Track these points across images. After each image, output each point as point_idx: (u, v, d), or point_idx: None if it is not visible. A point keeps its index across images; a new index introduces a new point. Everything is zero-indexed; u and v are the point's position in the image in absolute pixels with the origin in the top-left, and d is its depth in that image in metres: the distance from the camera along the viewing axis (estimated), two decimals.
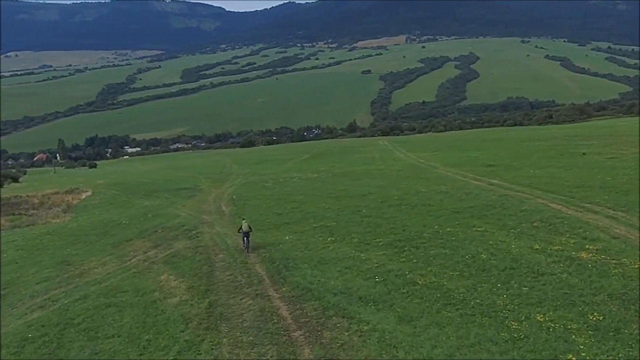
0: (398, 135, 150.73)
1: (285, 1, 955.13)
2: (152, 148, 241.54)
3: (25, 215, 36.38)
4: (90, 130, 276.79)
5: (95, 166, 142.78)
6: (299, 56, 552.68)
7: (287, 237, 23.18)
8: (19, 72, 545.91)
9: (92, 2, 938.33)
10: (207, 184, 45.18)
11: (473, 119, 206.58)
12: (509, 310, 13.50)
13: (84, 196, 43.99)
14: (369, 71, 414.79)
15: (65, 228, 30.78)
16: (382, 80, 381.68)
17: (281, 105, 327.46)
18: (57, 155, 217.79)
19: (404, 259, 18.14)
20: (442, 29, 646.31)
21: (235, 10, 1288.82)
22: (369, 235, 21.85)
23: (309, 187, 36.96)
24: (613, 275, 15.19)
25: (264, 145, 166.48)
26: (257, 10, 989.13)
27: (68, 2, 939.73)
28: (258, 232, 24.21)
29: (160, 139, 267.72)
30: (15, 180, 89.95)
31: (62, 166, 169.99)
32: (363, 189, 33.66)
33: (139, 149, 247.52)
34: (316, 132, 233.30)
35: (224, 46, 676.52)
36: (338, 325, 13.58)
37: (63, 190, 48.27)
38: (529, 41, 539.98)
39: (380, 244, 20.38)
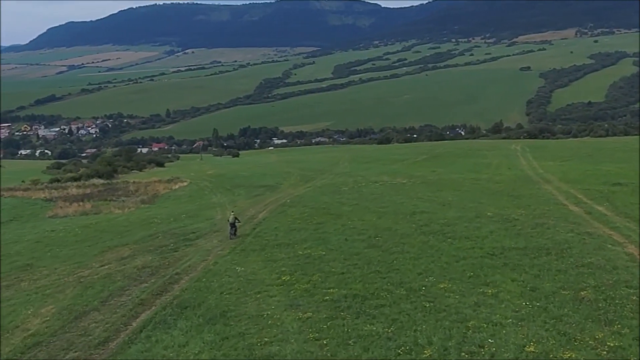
0: (548, 138, 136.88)
1: None
2: (297, 141, 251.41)
3: (115, 200, 39.08)
4: (245, 121, 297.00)
5: (237, 155, 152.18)
6: (453, 52, 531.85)
7: (239, 269, 20.01)
8: (192, 67, 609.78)
9: (258, 3, 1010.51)
10: (291, 182, 44.13)
11: None
12: None
13: (177, 186, 46.04)
14: (529, 68, 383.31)
15: (110, 222, 31.32)
16: (542, 77, 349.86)
17: (428, 102, 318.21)
18: (212, 143, 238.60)
19: (317, 334, 13.52)
20: (620, 21, 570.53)
21: (391, 7, 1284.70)
22: (331, 280, 17.81)
23: (373, 197, 33.61)
24: None
25: (400, 143, 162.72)
26: (412, 6, 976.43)
27: (238, 3, 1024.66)
28: (232, 254, 22.21)
29: (306, 132, 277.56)
30: (160, 165, 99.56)
31: (212, 154, 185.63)
32: (423, 204, 29.37)
33: (285, 140, 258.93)
34: (459, 131, 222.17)
35: (376, 42, 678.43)
36: None
37: (165, 179, 51.24)
38: None
39: (326, 297, 16.21)
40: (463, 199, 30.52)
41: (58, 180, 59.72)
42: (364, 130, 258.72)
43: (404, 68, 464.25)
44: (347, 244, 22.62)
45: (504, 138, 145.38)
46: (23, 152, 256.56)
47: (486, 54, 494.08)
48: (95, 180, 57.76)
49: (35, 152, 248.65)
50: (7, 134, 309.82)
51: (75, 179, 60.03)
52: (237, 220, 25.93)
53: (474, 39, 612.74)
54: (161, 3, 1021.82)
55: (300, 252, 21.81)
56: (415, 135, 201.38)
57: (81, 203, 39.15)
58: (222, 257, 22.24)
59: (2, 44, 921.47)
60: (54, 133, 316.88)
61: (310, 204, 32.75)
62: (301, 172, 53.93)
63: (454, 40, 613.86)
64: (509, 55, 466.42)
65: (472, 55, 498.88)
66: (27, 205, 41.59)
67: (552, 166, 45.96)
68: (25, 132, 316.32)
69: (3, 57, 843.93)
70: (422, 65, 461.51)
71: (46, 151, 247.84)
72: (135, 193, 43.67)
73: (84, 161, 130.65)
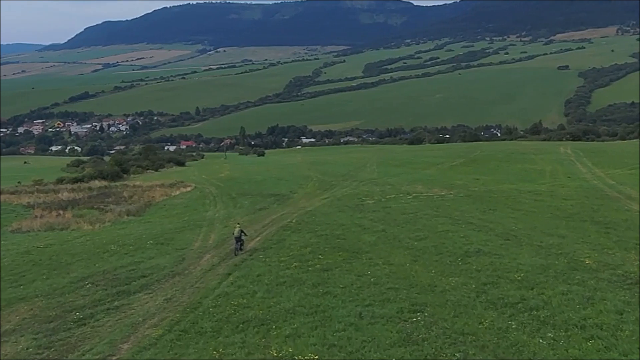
0: (593, 140, 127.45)
1: None
2: (326, 140, 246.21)
3: (102, 209, 34.11)
4: (273, 119, 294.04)
5: (263, 154, 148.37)
6: (487, 50, 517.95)
7: None
8: (223, 66, 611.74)
9: (290, 2, 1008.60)
10: (307, 190, 38.07)
11: None
12: None
13: (178, 192, 40.91)
14: (567, 67, 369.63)
15: (62, 245, 25.43)
16: (581, 77, 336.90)
17: (461, 101, 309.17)
18: (239, 142, 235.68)
19: None
20: None
21: (423, 5, 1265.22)
22: None
23: (405, 218, 26.15)
24: None
25: (432, 143, 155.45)
26: (445, 4, 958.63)
27: (270, 2, 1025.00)
28: (161, 343, 14.00)
29: (335, 131, 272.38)
30: (180, 164, 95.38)
31: (238, 152, 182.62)
32: (477, 235, 21.47)
33: (313, 139, 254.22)
34: (494, 132, 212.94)
35: (408, 41, 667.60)
36: None
37: (168, 183, 46.23)
38: None
39: None
40: (531, 227, 22.52)
41: (62, 181, 55.67)
42: (395, 129, 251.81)
43: (436, 67, 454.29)
44: (361, 330, 13.69)
45: (544, 139, 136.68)
46: (54, 148, 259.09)
47: (522, 52, 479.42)
48: (95, 183, 53.25)
49: (66, 149, 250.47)
50: (40, 130, 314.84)
51: (76, 180, 55.74)
52: (243, 234, 23.02)
53: (508, 37, 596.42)
54: (194, 2, 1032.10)
55: (275, 353, 12.99)
56: (447, 136, 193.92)
57: (61, 212, 34.27)
58: (142, 349, 13.72)
59: (42, 43, 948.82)
60: (85, 130, 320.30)
61: (320, 227, 25.73)
62: (322, 176, 47.66)
63: (487, 38, 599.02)
64: (546, 54, 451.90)
65: (507, 54, 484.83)
66: (2, 213, 36.84)
67: (623, 175, 38.78)
68: (58, 129, 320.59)
69: (43, 55, 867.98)
70: (454, 64, 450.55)
71: (76, 148, 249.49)
72: (128, 200, 38.62)
73: (107, 159, 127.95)
